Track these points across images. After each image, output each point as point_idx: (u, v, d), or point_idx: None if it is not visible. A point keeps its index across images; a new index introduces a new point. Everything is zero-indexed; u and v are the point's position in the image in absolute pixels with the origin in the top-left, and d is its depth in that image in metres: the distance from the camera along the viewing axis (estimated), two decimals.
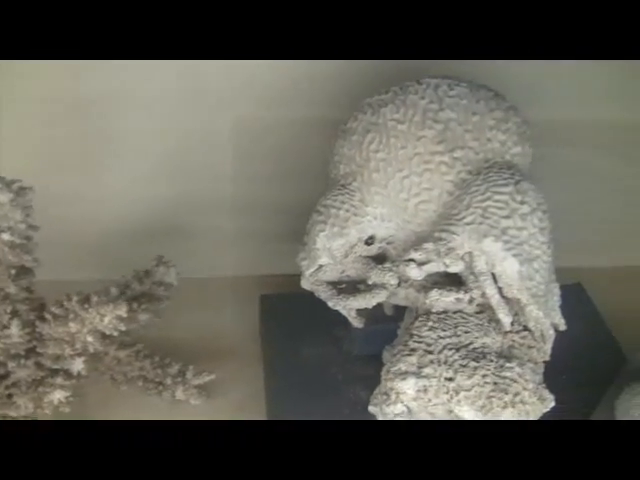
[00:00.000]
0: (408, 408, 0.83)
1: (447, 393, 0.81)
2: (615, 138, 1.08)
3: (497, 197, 0.83)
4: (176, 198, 1.05)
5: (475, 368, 0.81)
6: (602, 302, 1.07)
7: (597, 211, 1.14)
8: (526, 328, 0.88)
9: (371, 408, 0.85)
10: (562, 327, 0.89)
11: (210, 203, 1.06)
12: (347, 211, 0.88)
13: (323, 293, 0.90)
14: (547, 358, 0.90)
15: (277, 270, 1.01)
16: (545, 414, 0.86)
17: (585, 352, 0.98)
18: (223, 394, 0.96)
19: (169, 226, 1.05)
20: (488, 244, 0.82)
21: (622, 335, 1.02)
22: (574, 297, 1.08)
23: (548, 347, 0.89)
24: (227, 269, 1.11)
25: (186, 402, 0.94)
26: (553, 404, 0.85)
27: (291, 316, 1.01)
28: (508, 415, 0.82)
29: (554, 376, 0.92)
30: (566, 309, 0.96)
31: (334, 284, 0.92)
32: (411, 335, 0.84)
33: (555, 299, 0.89)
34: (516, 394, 0.81)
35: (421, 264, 0.84)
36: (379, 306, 0.94)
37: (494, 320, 0.86)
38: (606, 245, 1.16)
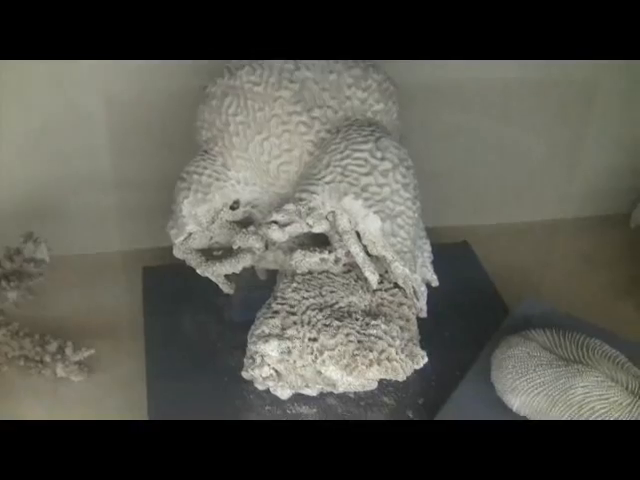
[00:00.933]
0: (276, 371, 0.82)
1: (311, 354, 0.81)
2: (494, 99, 1.08)
3: (356, 155, 0.83)
4: (54, 177, 1.03)
5: (338, 327, 0.81)
6: (488, 259, 1.07)
7: (481, 171, 1.14)
8: (396, 286, 0.88)
9: (243, 373, 0.85)
10: (435, 283, 0.90)
11: (89, 180, 1.04)
12: (209, 176, 0.87)
13: (193, 261, 0.90)
14: (424, 315, 0.90)
15: (161, 243, 1.00)
16: (423, 370, 0.86)
17: (469, 308, 0.99)
18: (105, 370, 0.94)
19: (49, 205, 1.04)
20: (348, 202, 0.82)
21: (506, 290, 1.02)
22: (460, 255, 1.08)
23: (422, 304, 0.89)
24: (110, 245, 1.09)
25: (68, 379, 0.93)
26: (425, 360, 0.85)
27: (174, 287, 1.01)
28: (375, 373, 0.82)
29: (437, 333, 0.92)
30: (452, 267, 0.97)
31: (205, 252, 0.91)
32: (275, 297, 0.84)
33: (426, 255, 0.89)
34: (382, 351, 0.81)
35: (283, 225, 0.84)
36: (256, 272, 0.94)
37: (362, 279, 0.86)
38: (491, 203, 1.16)
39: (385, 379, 0.87)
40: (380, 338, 0.81)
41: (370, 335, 0.81)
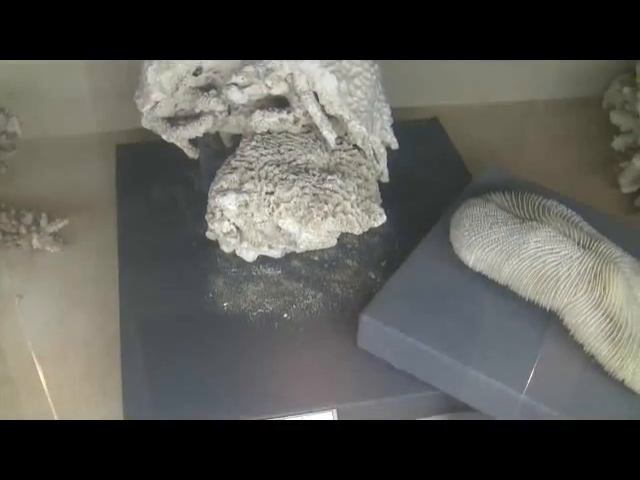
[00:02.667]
0: (236, 227, 0.85)
1: (268, 206, 0.83)
2: None
3: None
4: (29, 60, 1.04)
5: (294, 181, 0.83)
6: (459, 136, 1.08)
7: None
8: (356, 147, 0.89)
9: (207, 233, 0.88)
10: (394, 145, 0.91)
11: (63, 63, 1.05)
12: None
13: (159, 128, 0.92)
14: (385, 179, 0.92)
15: (135, 124, 1.01)
16: (387, 235, 0.89)
17: (436, 179, 1.01)
18: (79, 241, 0.97)
19: (24, 88, 1.05)
20: (305, 62, 0.83)
21: (474, 163, 1.03)
22: (429, 130, 1.10)
23: (383, 166, 0.91)
24: (86, 127, 1.11)
25: (43, 250, 0.95)
26: (384, 218, 0.87)
27: (146, 162, 1.03)
28: (330, 225, 0.84)
29: (403, 201, 0.95)
30: (421, 141, 1.00)
31: (172, 120, 0.93)
32: (234, 155, 0.86)
33: (385, 118, 0.91)
34: (337, 204, 0.84)
35: (243, 87, 0.85)
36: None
37: (321, 140, 0.88)
38: (464, 83, 1.17)
39: (349, 243, 0.90)
40: (335, 192, 0.83)
41: (326, 189, 0.83)
